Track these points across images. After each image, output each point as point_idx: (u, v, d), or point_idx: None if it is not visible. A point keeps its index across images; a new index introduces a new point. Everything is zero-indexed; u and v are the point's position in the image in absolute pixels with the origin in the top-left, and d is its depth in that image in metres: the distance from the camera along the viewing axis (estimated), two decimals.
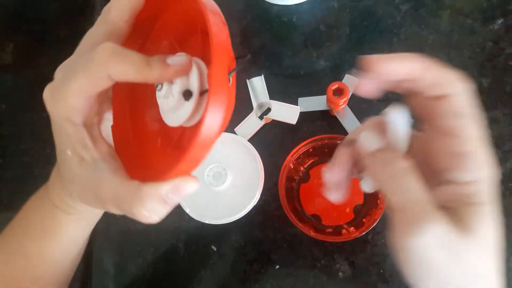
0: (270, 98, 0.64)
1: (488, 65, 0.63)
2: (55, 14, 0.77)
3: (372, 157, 0.29)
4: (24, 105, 0.71)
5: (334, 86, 0.59)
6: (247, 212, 0.59)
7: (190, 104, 0.30)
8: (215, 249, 0.61)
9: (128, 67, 0.28)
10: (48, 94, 0.31)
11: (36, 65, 0.73)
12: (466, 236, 0.26)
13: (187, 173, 0.30)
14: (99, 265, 0.63)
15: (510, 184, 0.58)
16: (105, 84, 0.29)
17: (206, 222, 0.59)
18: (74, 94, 0.30)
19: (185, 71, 0.30)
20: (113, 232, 0.64)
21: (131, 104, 0.37)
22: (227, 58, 0.27)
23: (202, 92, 0.30)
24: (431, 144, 0.30)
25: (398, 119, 0.29)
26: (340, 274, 0.58)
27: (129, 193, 0.30)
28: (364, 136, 0.30)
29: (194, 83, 0.30)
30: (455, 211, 0.27)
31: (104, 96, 0.36)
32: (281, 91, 0.65)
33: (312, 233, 0.56)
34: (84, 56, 0.30)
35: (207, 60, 0.31)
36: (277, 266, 0.59)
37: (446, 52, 0.64)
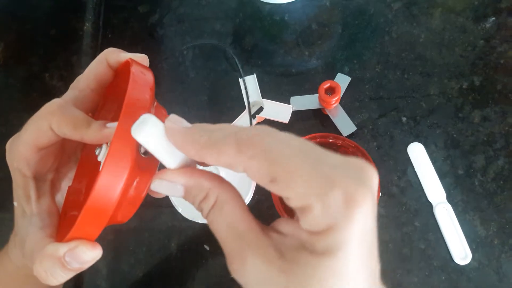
0: (262, 97, 0.64)
1: (480, 63, 0.63)
2: (46, 13, 0.76)
3: (187, 195, 0.27)
4: (15, 105, 0.70)
5: (326, 84, 0.59)
6: None
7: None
8: (208, 248, 0.61)
9: (68, 122, 0.30)
10: (8, 144, 0.33)
11: (27, 64, 0.72)
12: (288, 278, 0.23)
13: (88, 238, 0.29)
14: (92, 264, 0.63)
15: (501, 182, 0.58)
16: (49, 136, 0.31)
17: (199, 221, 0.59)
18: (23, 144, 0.32)
19: None
20: (105, 231, 0.64)
21: (91, 170, 0.37)
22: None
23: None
24: None
25: (149, 137, 0.25)
26: None
27: (39, 250, 0.30)
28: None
29: None
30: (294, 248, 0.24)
31: (72, 156, 0.38)
32: (273, 90, 0.65)
33: None
34: None
35: None
36: None
37: (438, 50, 0.64)
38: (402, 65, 0.65)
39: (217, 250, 0.61)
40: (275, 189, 0.23)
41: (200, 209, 0.26)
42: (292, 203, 0.23)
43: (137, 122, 0.25)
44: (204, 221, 0.59)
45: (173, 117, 0.26)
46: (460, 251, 0.56)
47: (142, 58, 0.34)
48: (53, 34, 0.74)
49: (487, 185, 0.58)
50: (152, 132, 0.25)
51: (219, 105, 0.67)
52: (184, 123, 0.26)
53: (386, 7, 0.68)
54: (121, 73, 0.34)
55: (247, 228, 0.25)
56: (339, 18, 0.69)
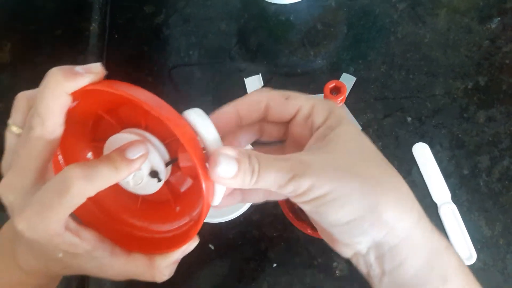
0: None
1: (485, 64, 0.63)
2: (52, 13, 0.77)
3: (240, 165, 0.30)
4: None
5: (331, 84, 0.59)
6: (244, 210, 0.59)
7: (161, 183, 0.33)
8: (212, 247, 0.61)
9: (102, 183, 0.29)
10: (25, 225, 0.30)
11: (33, 64, 0.72)
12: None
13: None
14: None
15: (506, 182, 0.58)
16: (83, 201, 0.30)
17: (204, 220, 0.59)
18: (57, 222, 0.30)
19: (146, 156, 0.31)
20: None
21: None
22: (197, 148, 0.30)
23: (168, 163, 0.33)
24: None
25: (196, 119, 0.30)
26: (337, 272, 0.58)
27: (140, 269, 0.34)
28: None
29: (158, 163, 0.32)
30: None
31: None
32: (278, 89, 0.65)
33: (309, 231, 0.56)
34: (47, 183, 0.29)
35: (150, 128, 0.33)
36: (274, 265, 0.59)
37: (443, 50, 0.65)
38: (407, 65, 0.65)
39: (221, 249, 0.61)
40: (290, 104, 0.34)
41: (252, 168, 0.29)
42: (304, 109, 0.34)
43: (189, 110, 0.30)
44: (209, 220, 0.59)
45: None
46: (465, 251, 0.56)
47: (98, 70, 0.31)
48: (59, 34, 0.75)
49: (492, 185, 0.58)
50: (201, 113, 0.31)
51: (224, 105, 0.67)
52: None
53: (391, 7, 0.68)
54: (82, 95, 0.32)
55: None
56: (344, 18, 0.69)
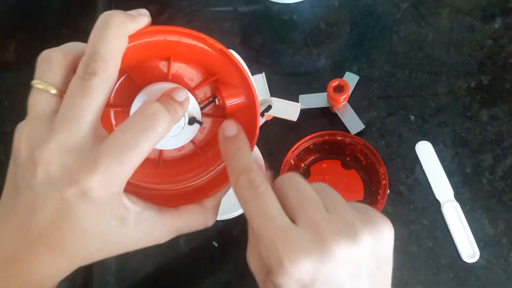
0: (271, 96, 0.64)
1: (488, 63, 0.64)
2: (57, 11, 0.77)
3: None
4: (26, 103, 0.71)
5: (335, 83, 0.59)
6: None
7: (195, 127, 0.35)
8: (216, 245, 0.62)
9: (176, 116, 0.30)
10: (97, 180, 0.27)
11: None
12: None
13: None
14: (101, 260, 0.64)
15: (509, 181, 0.58)
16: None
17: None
18: (130, 171, 0.28)
19: (189, 100, 0.32)
20: None
21: None
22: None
23: (207, 104, 0.36)
24: None
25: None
26: None
27: (192, 217, 0.35)
28: None
29: (194, 108, 0.34)
30: None
31: None
32: (282, 88, 0.66)
33: None
34: (127, 122, 0.28)
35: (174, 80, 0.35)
36: None
37: (446, 49, 0.65)
38: (410, 64, 0.65)
39: (225, 246, 0.61)
40: None
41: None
42: None
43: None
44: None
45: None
46: (468, 249, 0.56)
47: (148, 13, 0.31)
48: (64, 33, 0.75)
49: (495, 184, 0.58)
50: None
51: None
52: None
53: (394, 6, 0.68)
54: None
55: None
56: (348, 17, 0.69)
